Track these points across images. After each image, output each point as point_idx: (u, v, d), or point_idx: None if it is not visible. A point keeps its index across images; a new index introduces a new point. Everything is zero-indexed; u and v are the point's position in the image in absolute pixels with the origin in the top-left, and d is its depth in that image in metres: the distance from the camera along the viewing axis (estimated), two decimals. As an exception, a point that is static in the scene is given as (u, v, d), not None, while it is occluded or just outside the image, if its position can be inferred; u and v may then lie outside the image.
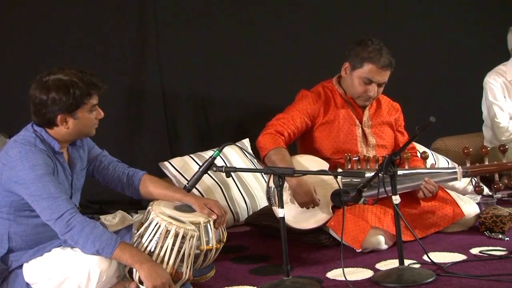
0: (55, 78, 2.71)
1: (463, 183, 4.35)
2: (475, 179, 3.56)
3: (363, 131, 3.69)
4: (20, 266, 2.76)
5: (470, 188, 4.32)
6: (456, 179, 3.58)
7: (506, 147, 3.55)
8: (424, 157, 3.60)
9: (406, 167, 3.56)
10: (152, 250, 2.72)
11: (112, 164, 3.06)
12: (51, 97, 2.69)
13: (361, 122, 3.70)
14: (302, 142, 3.77)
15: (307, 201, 3.39)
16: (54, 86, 2.69)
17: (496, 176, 3.52)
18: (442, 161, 4.62)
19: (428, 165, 3.72)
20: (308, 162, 3.55)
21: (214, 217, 2.89)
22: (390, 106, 3.83)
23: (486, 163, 3.55)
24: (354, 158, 3.55)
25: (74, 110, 2.73)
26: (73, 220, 2.62)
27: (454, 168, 3.59)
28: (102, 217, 3.06)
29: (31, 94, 2.73)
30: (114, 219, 3.07)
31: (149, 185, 3.02)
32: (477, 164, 3.57)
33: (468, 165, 3.56)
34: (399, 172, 3.38)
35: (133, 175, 3.04)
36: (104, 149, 3.10)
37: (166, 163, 4.21)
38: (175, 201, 2.98)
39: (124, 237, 2.88)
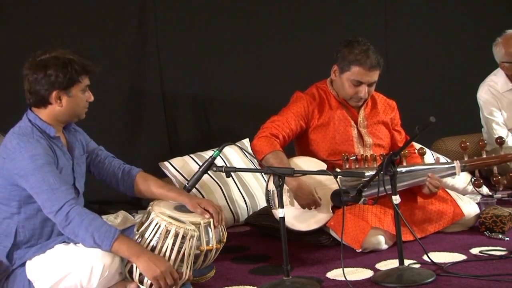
0: (51, 56, 2.74)
1: (463, 183, 4.36)
2: (474, 178, 3.56)
3: (358, 131, 3.69)
4: (21, 265, 2.76)
5: (470, 188, 4.32)
6: (455, 173, 3.57)
7: (504, 139, 3.55)
8: (422, 153, 3.60)
9: (404, 163, 3.57)
10: (152, 249, 2.72)
11: (108, 159, 3.06)
12: (48, 73, 2.71)
13: (356, 123, 3.70)
14: (298, 144, 3.78)
15: (309, 203, 3.39)
16: (52, 63, 2.72)
17: (495, 169, 3.51)
18: (442, 161, 4.61)
19: (430, 162, 3.72)
20: (306, 163, 3.55)
21: (208, 216, 2.87)
22: (386, 104, 3.82)
23: (484, 156, 3.55)
24: (351, 158, 3.55)
25: (69, 87, 2.75)
26: (72, 212, 2.63)
27: (452, 163, 3.59)
28: (104, 217, 3.05)
29: (25, 74, 2.76)
30: (116, 219, 3.06)
31: (143, 183, 3.02)
32: (475, 158, 3.57)
33: (466, 159, 3.56)
34: (398, 169, 3.37)
35: (128, 171, 3.04)
36: (100, 145, 3.11)
37: (166, 163, 4.21)
38: (174, 201, 2.98)
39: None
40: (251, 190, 4.24)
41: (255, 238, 3.85)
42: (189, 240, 2.73)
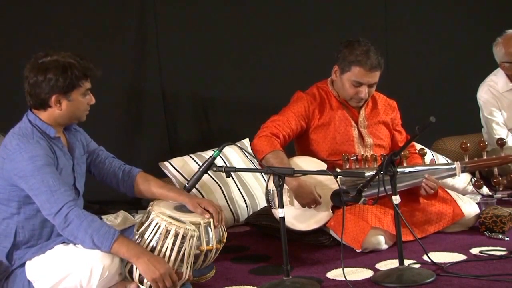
0: (52, 59, 2.73)
1: (463, 183, 4.36)
2: (475, 178, 3.56)
3: (359, 131, 3.69)
4: (21, 266, 2.75)
5: (470, 188, 4.32)
6: (455, 174, 3.57)
7: (504, 141, 3.55)
8: (422, 153, 3.60)
9: (405, 164, 3.57)
10: (152, 250, 2.71)
11: (108, 159, 3.06)
12: (48, 77, 2.70)
13: (356, 123, 3.69)
14: (298, 144, 3.77)
15: (310, 202, 3.40)
16: (52, 67, 2.71)
17: (495, 170, 3.51)
18: (442, 161, 4.62)
19: (427, 162, 3.72)
20: (306, 163, 3.55)
21: (208, 216, 2.88)
22: (386, 104, 3.82)
23: (484, 157, 3.55)
24: (352, 158, 3.56)
25: (69, 91, 2.74)
26: (71, 214, 2.62)
27: (453, 163, 3.59)
28: (104, 217, 3.05)
29: (25, 75, 2.75)
30: (116, 220, 3.06)
31: (144, 183, 3.01)
32: (476, 159, 3.57)
33: (466, 160, 3.56)
34: (398, 170, 3.37)
35: (129, 172, 3.04)
36: (101, 146, 3.11)
37: (166, 163, 4.21)
38: (174, 201, 2.98)
39: (126, 237, 2.87)
40: (251, 190, 4.24)
41: (255, 238, 3.85)
42: (189, 240, 2.73)
